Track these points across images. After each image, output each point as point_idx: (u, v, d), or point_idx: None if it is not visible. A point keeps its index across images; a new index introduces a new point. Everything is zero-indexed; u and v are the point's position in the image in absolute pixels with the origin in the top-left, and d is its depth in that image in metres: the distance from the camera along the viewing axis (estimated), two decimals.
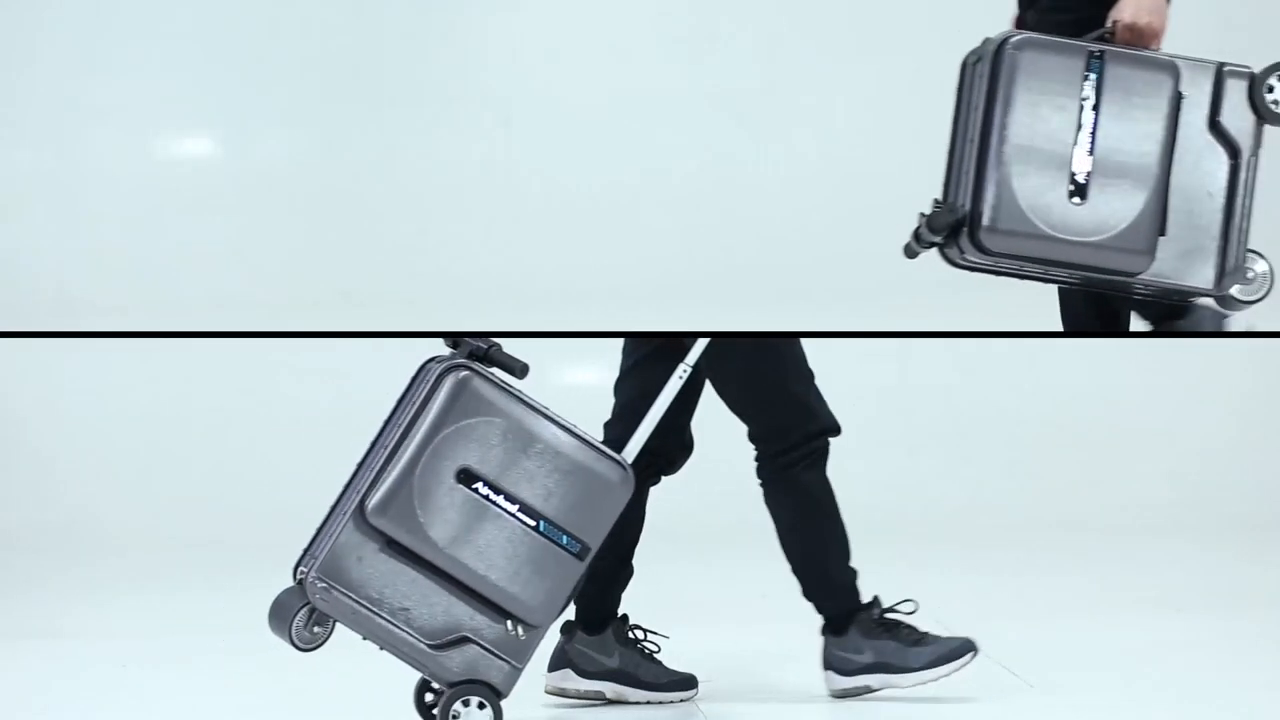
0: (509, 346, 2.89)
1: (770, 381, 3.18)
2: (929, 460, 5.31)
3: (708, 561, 4.82)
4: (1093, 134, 2.89)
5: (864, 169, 5.90)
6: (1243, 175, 2.96)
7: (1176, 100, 2.92)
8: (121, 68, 5.81)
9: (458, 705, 2.84)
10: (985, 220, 2.88)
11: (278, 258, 5.74)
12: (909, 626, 3.21)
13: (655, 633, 3.30)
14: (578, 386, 5.76)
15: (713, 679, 3.32)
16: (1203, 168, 2.95)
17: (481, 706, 2.85)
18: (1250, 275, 2.98)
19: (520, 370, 2.90)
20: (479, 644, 2.85)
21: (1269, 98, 2.97)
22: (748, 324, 5.28)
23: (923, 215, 2.94)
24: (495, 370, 2.88)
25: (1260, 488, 5.42)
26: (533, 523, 2.84)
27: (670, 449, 3.21)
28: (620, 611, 3.29)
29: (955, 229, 2.90)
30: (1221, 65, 2.96)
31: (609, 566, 3.17)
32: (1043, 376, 5.43)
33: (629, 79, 5.90)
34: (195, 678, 3.53)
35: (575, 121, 5.87)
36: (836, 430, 3.21)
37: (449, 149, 5.86)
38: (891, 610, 3.22)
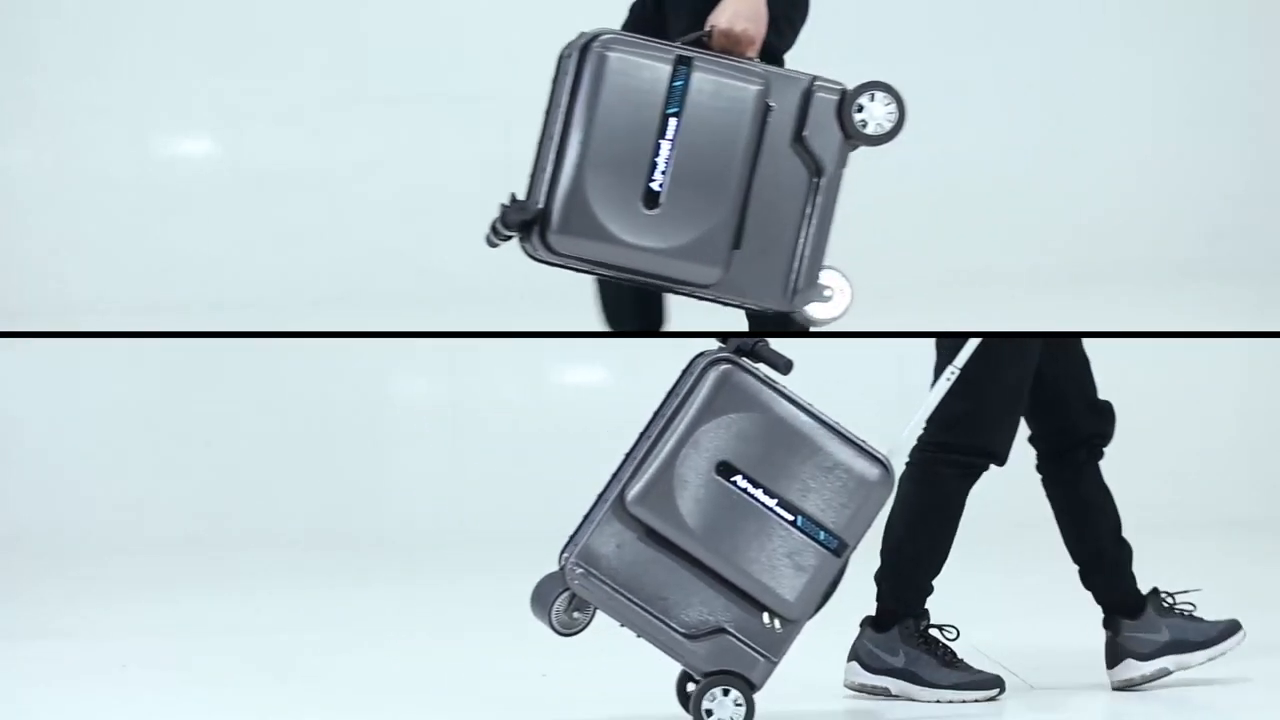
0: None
1: (982, 380, 3.19)
2: None
3: None
4: (672, 141, 2.83)
5: (863, 169, 5.89)
6: (823, 193, 2.93)
7: (763, 112, 2.86)
8: (121, 68, 5.81)
9: (712, 695, 2.87)
10: (554, 222, 2.84)
11: (277, 258, 5.74)
12: (946, 647, 3.24)
13: (1188, 601, 3.35)
14: (578, 386, 5.78)
15: None
16: (784, 183, 2.90)
17: (733, 698, 2.88)
18: (828, 294, 2.95)
19: (785, 366, 2.91)
20: (734, 636, 2.88)
21: (858, 117, 2.93)
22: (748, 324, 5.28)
23: (502, 207, 2.89)
24: (760, 365, 2.90)
25: (1260, 488, 5.42)
26: (791, 517, 2.87)
27: (1101, 426, 3.32)
28: (1153, 587, 3.36)
29: (527, 226, 2.87)
30: (813, 80, 2.92)
31: (1110, 551, 3.30)
32: None
33: None
34: (195, 679, 3.53)
35: None
36: (999, 460, 3.24)
37: (449, 149, 5.86)
38: (936, 628, 3.25)
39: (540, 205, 2.85)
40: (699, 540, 2.85)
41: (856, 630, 3.27)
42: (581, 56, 2.87)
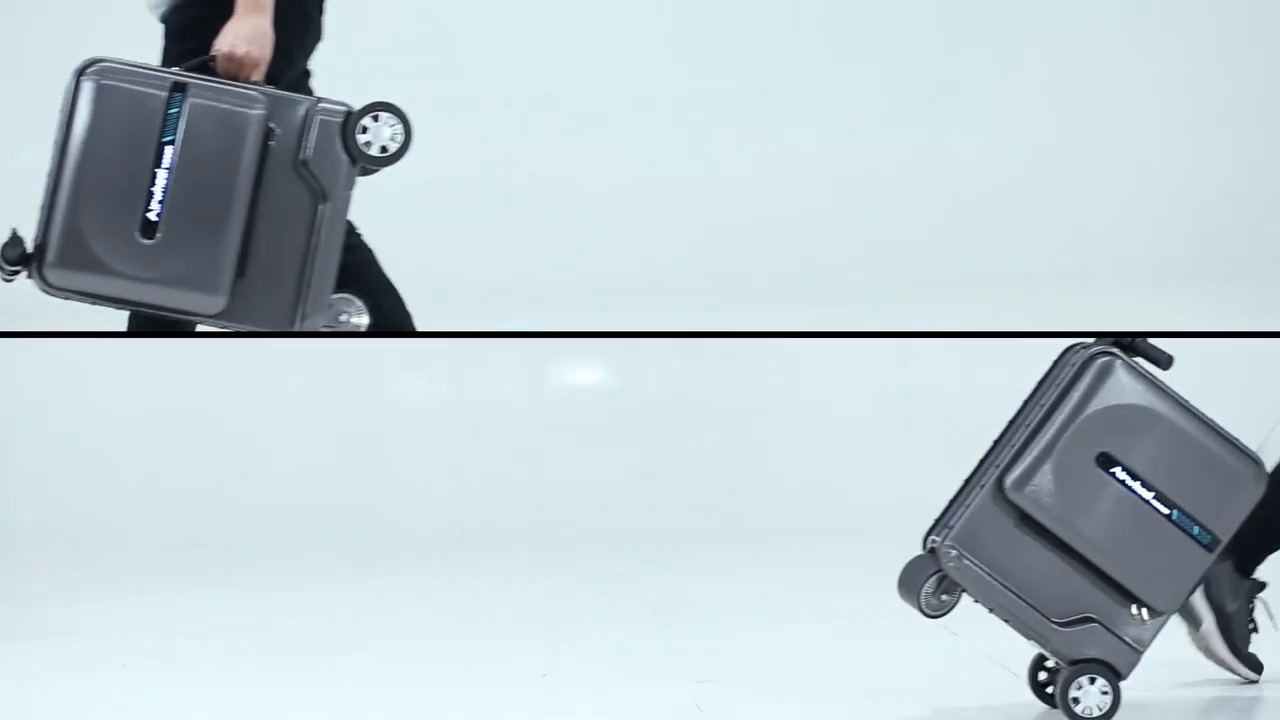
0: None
1: None
2: (929, 460, 5.30)
3: (708, 561, 4.83)
4: (169, 170, 2.82)
5: (864, 169, 5.90)
6: (328, 215, 2.90)
7: (264, 136, 2.85)
8: None
9: (1078, 683, 2.89)
10: (49, 256, 2.86)
11: None
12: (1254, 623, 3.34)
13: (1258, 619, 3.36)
14: (578, 386, 5.78)
15: (713, 679, 3.32)
16: (288, 208, 2.87)
17: (1099, 685, 2.89)
18: (344, 319, 2.94)
19: (1165, 361, 2.96)
20: (1103, 625, 2.90)
21: (362, 139, 2.94)
22: (749, 324, 5.28)
23: (3, 244, 2.88)
24: (1139, 360, 2.92)
25: None
26: (1166, 511, 2.90)
27: None
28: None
29: (26, 261, 2.87)
30: (316, 102, 2.92)
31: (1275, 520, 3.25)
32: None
33: (629, 79, 5.89)
34: (195, 677, 3.53)
35: (576, 121, 5.87)
36: None
37: (448, 150, 5.86)
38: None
39: (39, 240, 2.86)
40: (1076, 529, 2.87)
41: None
42: (76, 86, 2.85)
